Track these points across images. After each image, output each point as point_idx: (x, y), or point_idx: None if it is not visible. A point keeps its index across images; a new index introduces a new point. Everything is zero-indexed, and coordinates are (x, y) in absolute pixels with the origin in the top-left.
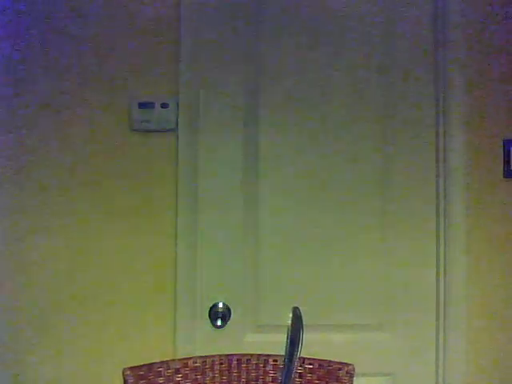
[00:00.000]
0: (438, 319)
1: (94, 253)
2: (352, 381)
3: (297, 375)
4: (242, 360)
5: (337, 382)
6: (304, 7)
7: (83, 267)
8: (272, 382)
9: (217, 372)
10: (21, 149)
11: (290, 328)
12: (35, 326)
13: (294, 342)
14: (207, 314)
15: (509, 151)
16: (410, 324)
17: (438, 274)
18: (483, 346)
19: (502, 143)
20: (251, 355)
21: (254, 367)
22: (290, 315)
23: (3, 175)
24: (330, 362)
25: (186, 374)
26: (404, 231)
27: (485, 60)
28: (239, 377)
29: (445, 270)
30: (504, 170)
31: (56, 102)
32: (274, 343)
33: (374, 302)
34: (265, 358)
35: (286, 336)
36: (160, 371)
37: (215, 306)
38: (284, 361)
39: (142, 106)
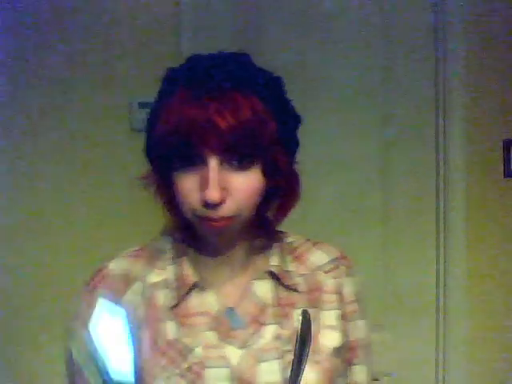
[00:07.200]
0: (437, 319)
1: (92, 253)
2: None
3: None
4: None
5: None
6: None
7: (82, 267)
8: None
9: None
10: (20, 149)
11: (299, 330)
12: (34, 326)
13: (303, 343)
14: None
15: (509, 151)
16: (409, 324)
17: (437, 274)
18: (483, 345)
19: (502, 143)
20: None
21: None
22: (300, 317)
23: (2, 175)
24: None
25: None
26: (404, 231)
27: (485, 59)
28: None
29: (445, 270)
30: (504, 170)
31: (56, 102)
32: None
33: (374, 302)
34: None
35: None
36: None
37: None
38: (293, 361)
39: (142, 106)
